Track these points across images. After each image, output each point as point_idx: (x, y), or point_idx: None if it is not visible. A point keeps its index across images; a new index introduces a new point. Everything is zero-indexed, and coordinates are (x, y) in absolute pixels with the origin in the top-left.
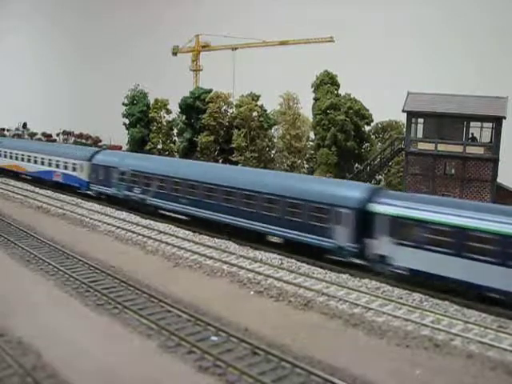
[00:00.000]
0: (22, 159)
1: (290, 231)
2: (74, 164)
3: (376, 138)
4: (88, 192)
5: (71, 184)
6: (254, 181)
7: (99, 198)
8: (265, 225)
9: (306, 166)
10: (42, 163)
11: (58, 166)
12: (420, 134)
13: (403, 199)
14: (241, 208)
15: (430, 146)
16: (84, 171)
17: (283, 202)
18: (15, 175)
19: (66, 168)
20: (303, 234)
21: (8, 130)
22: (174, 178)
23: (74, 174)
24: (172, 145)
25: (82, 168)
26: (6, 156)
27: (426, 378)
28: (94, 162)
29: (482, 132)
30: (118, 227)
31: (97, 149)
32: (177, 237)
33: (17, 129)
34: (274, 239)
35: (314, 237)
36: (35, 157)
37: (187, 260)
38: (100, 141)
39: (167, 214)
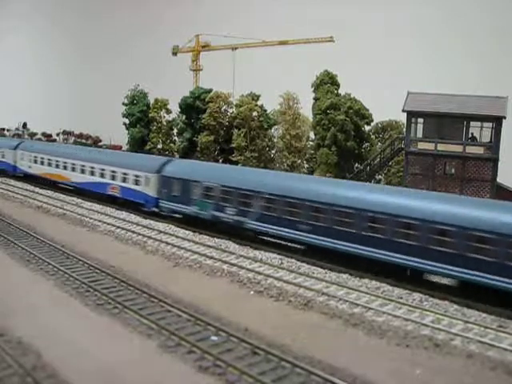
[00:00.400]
0: (65, 167)
1: (473, 272)
2: (137, 176)
3: (376, 137)
4: (154, 210)
5: (133, 200)
6: (415, 206)
7: (168, 217)
8: (428, 262)
9: (305, 165)
10: (93, 173)
11: (114, 177)
12: (420, 134)
13: None
14: (389, 239)
15: (430, 145)
16: (151, 185)
17: (464, 234)
18: (51, 184)
19: (125, 180)
20: (498, 278)
21: (8, 130)
22: (288, 198)
23: (137, 188)
24: (172, 145)
25: (149, 181)
26: (42, 163)
27: (426, 378)
28: (166, 175)
29: (481, 132)
30: (118, 227)
31: (166, 158)
32: (177, 236)
33: (17, 129)
34: (433, 278)
35: None
36: (83, 165)
37: (187, 260)
38: (100, 141)
39: (272, 240)
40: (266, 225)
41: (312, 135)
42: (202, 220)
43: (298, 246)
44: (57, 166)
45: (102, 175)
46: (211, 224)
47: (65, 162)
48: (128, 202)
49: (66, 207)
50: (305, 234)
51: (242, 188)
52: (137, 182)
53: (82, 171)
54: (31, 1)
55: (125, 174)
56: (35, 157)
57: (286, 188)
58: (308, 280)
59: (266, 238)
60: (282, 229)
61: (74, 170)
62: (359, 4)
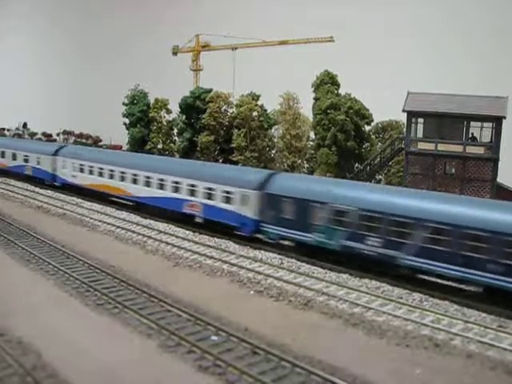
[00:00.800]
0: (122, 178)
1: None
2: (228, 192)
3: (376, 137)
4: (251, 235)
5: (221, 222)
6: None
7: (274, 245)
8: None
9: (306, 165)
10: (162, 187)
11: (193, 193)
12: (420, 134)
13: None
14: None
15: (430, 145)
16: (250, 204)
17: None
18: (100, 197)
19: (210, 197)
20: None
21: (8, 130)
22: (469, 230)
23: (229, 207)
24: (172, 144)
25: (247, 199)
26: (91, 172)
27: (426, 378)
28: (272, 192)
29: (482, 132)
30: (118, 227)
31: (268, 171)
32: (177, 236)
33: (17, 128)
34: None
35: None
36: (148, 176)
37: (187, 260)
38: (100, 140)
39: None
40: (431, 262)
41: (312, 135)
42: (326, 250)
43: (467, 288)
44: (111, 177)
45: (176, 189)
46: (340, 256)
47: (122, 172)
48: (212, 224)
49: (66, 207)
50: (496, 277)
51: (393, 213)
52: (228, 200)
53: (147, 184)
54: (31, 1)
55: (209, 188)
56: (81, 165)
57: (467, 216)
58: (308, 280)
59: (426, 277)
60: (457, 268)
61: (135, 181)
62: (359, 4)
